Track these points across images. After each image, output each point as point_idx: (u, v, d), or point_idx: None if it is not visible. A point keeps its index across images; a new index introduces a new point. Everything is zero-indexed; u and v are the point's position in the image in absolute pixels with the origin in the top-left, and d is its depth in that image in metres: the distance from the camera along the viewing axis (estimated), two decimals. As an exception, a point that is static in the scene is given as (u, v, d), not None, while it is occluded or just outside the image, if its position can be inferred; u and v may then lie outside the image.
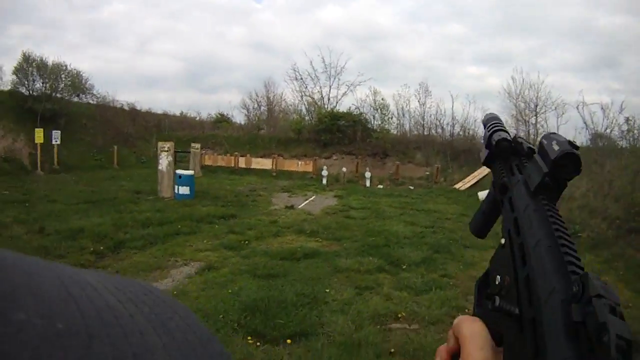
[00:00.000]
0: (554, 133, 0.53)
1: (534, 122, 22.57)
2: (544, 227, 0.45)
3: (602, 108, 18.17)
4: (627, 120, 16.38)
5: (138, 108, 32.22)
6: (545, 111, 22.76)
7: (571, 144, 0.49)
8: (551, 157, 0.49)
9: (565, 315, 0.35)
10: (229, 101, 71.30)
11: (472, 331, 0.46)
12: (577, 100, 18.67)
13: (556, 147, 0.49)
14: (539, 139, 0.55)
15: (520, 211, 0.50)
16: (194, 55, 56.48)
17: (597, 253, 9.84)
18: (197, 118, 36.55)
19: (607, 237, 10.63)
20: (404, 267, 7.59)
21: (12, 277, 0.24)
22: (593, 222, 11.75)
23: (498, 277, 0.48)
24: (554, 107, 22.57)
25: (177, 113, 35.84)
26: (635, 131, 16.03)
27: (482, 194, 17.71)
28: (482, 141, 0.66)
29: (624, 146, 15.85)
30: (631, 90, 42.12)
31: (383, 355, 4.53)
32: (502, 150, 0.60)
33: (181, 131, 30.62)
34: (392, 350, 4.61)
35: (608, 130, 17.70)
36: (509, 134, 0.62)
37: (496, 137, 0.61)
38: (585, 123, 18.86)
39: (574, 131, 19.88)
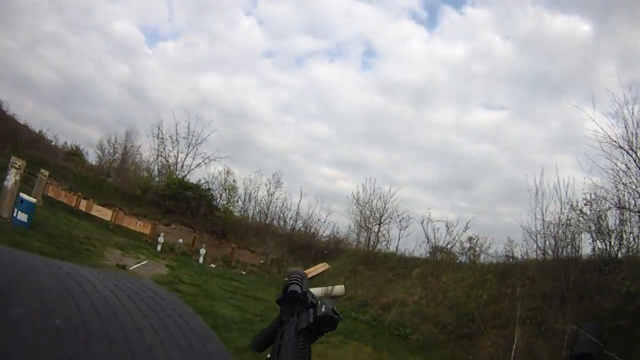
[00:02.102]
0: (323, 298, 0.82)
1: (376, 230, 23.91)
2: (293, 355, 0.69)
3: (447, 226, 19.82)
4: (470, 239, 18.24)
5: (4, 109, 29.59)
6: (389, 222, 24.16)
7: (334, 311, 0.75)
8: (317, 314, 0.74)
9: None
10: (89, 136, 65.49)
11: None
12: (424, 215, 20.29)
13: (324, 309, 0.74)
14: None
15: (284, 342, 0.73)
16: (72, 74, 51.55)
17: (427, 355, 10.59)
18: (54, 142, 33.92)
19: (437, 340, 11.56)
20: (231, 350, 7.25)
21: (10, 273, 0.24)
22: (424, 326, 12.72)
23: None
24: (399, 220, 23.86)
25: (37, 129, 33.03)
26: (477, 249, 17.88)
27: (314, 291, 18.22)
28: (284, 285, 0.89)
29: (462, 261, 17.47)
30: (479, 211, 47.57)
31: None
32: (290, 298, 0.84)
33: (35, 151, 27.54)
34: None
35: (449, 245, 19.16)
36: (302, 287, 0.86)
37: (291, 288, 0.86)
38: (427, 237, 20.42)
39: (414, 242, 21.05)
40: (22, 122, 31.49)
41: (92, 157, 34.93)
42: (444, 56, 49.98)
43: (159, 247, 19.86)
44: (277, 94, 57.89)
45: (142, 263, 14.62)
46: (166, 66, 57.02)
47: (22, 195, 12.70)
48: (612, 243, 10.85)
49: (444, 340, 11.45)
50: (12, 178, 12.71)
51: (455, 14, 53.36)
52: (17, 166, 12.90)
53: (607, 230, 10.92)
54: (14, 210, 12.40)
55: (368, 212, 24.72)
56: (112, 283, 0.33)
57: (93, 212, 22.29)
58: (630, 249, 10.62)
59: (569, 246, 11.60)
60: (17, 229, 11.75)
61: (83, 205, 22.40)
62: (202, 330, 0.37)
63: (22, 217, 12.35)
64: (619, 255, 10.60)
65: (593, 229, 11.22)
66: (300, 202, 29.94)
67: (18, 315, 0.22)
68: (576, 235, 11.60)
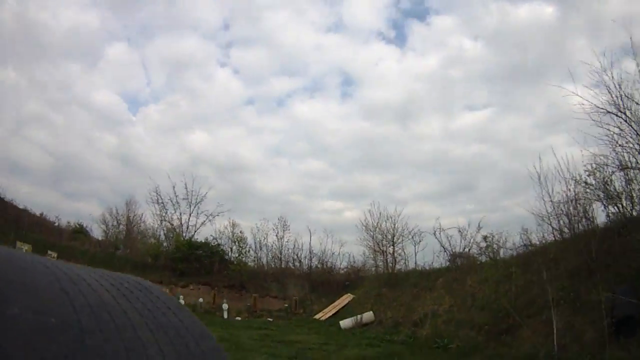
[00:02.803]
0: None
1: (391, 251, 23.76)
2: None
3: (459, 231, 19.72)
4: (485, 238, 18.05)
5: (2, 196, 28.75)
6: (402, 240, 24.17)
7: None
8: None
9: None
10: (89, 212, 65.38)
11: None
12: (434, 226, 20.14)
13: None
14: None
15: None
16: (63, 153, 51.46)
17: (470, 359, 10.39)
18: (56, 224, 33.12)
19: (477, 343, 11.33)
20: None
21: (6, 272, 0.25)
22: (461, 333, 12.49)
23: None
24: (411, 236, 23.92)
25: (37, 212, 32.20)
26: (495, 245, 17.65)
27: (344, 323, 18.00)
28: None
29: (483, 261, 17.24)
30: (487, 209, 46.96)
31: None
32: None
33: (39, 234, 27.30)
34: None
35: (467, 249, 18.98)
36: None
37: None
38: (443, 246, 20.22)
39: (431, 254, 20.88)
40: (21, 206, 30.80)
41: (97, 233, 34.49)
42: (419, 69, 50.10)
43: (180, 311, 19.61)
44: (265, 139, 58.17)
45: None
46: (152, 130, 57.15)
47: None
48: (624, 204, 10.85)
49: (483, 341, 11.23)
50: None
51: (421, 27, 53.71)
52: (23, 250, 12.90)
53: (615, 193, 10.92)
54: None
55: (379, 236, 24.70)
56: (108, 282, 0.33)
57: (108, 288, 22.23)
58: (643, 205, 10.65)
59: (583, 219, 11.55)
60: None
61: None
62: (196, 328, 0.37)
63: None
64: (634, 213, 10.58)
65: (602, 196, 11.21)
66: (310, 240, 29.81)
67: (14, 314, 0.22)
68: (587, 208, 11.58)
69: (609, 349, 7.85)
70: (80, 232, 32.75)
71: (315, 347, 12.97)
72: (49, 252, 20.17)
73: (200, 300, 21.80)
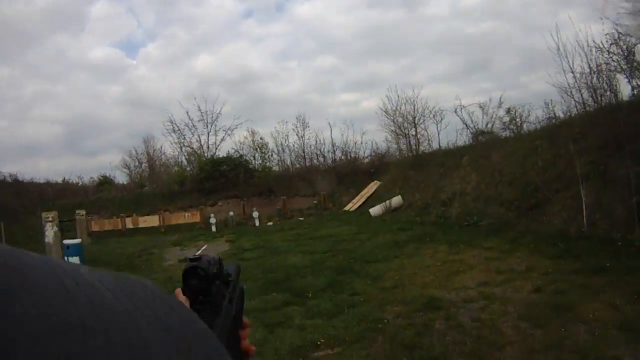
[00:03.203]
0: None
1: (414, 133, 23.32)
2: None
3: (480, 107, 19.10)
4: (508, 110, 17.41)
5: (20, 179, 29.83)
6: (423, 121, 23.67)
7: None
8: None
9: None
10: (109, 162, 67.57)
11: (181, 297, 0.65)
12: (455, 104, 19.54)
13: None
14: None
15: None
16: (72, 118, 53.00)
17: (502, 235, 10.31)
18: (80, 184, 34.52)
19: (507, 219, 11.22)
20: (310, 295, 7.21)
21: (9, 271, 0.25)
22: (490, 209, 12.38)
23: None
24: (432, 115, 23.45)
25: (59, 180, 33.55)
26: (517, 119, 17.04)
27: (374, 210, 18.20)
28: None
29: (507, 135, 16.65)
30: (505, 86, 45.96)
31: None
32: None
33: (64, 199, 28.40)
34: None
35: (489, 126, 18.44)
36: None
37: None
38: (465, 124, 19.78)
39: (454, 133, 20.58)
40: (42, 181, 32.00)
41: (121, 179, 35.52)
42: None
43: (213, 228, 20.29)
44: (270, 46, 56.99)
45: (203, 248, 14.90)
46: (155, 67, 56.97)
47: (66, 241, 12.93)
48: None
49: (513, 217, 11.09)
50: (50, 233, 12.98)
51: None
52: (50, 219, 13.09)
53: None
54: (65, 260, 12.55)
55: (400, 119, 24.19)
56: (110, 282, 0.32)
57: (141, 225, 22.99)
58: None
59: (608, 92, 10.64)
60: (74, 275, 11.82)
61: (129, 223, 23.12)
62: (200, 329, 0.36)
63: (74, 261, 12.30)
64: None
65: (626, 67, 10.16)
66: (331, 134, 29.70)
67: (16, 313, 0.22)
68: (611, 80, 10.59)
69: (639, 228, 7.54)
70: (104, 183, 33.61)
71: (348, 238, 13.26)
72: (77, 211, 20.61)
73: (231, 214, 22.31)
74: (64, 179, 34.28)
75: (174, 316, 0.34)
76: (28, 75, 53.20)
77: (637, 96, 9.80)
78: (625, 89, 10.83)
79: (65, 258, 12.36)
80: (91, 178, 35.60)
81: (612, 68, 10.43)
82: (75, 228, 19.90)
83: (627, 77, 10.25)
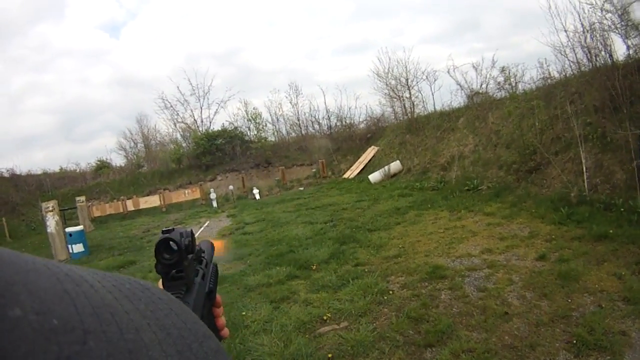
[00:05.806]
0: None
1: (408, 96, 22.95)
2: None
3: (473, 67, 18.59)
4: (502, 69, 17.04)
5: (18, 172, 29.72)
6: (417, 83, 23.17)
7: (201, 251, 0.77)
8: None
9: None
10: (105, 146, 67.15)
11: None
12: (447, 64, 19.20)
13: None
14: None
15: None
16: (64, 105, 52.75)
17: (502, 200, 10.36)
18: (78, 170, 34.35)
19: (507, 182, 11.25)
20: (314, 267, 7.27)
21: (9, 273, 0.25)
22: (490, 173, 12.39)
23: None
24: (425, 76, 22.95)
25: (57, 169, 33.49)
26: (512, 79, 16.69)
27: (374, 177, 18.20)
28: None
29: (502, 96, 16.33)
30: (496, 46, 45.09)
31: (322, 364, 4.17)
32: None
33: (64, 187, 28.60)
34: (330, 355, 4.25)
35: (484, 86, 18.11)
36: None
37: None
38: (459, 84, 19.35)
39: (449, 95, 20.37)
40: (39, 172, 31.85)
41: (118, 161, 35.43)
42: None
43: (214, 204, 20.28)
44: (255, 15, 55.53)
45: (205, 225, 14.93)
46: (140, 45, 55.93)
47: (68, 229, 12.90)
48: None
49: (513, 180, 11.11)
50: (51, 222, 12.88)
51: None
52: (50, 209, 13.02)
53: (636, 24, 9.57)
54: (68, 248, 12.65)
55: (393, 81, 23.80)
56: (110, 283, 0.32)
57: (142, 206, 23.01)
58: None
59: (602, 51, 10.36)
60: (79, 262, 11.73)
61: (130, 205, 23.10)
62: (199, 329, 0.37)
63: (78, 248, 12.55)
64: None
65: (620, 26, 9.88)
66: (325, 100, 29.46)
67: (16, 315, 0.22)
68: (606, 39, 10.28)
69: (640, 193, 7.54)
70: (101, 167, 33.54)
71: (349, 206, 13.31)
72: (77, 198, 20.46)
73: (231, 187, 22.28)
74: (61, 167, 34.27)
75: (173, 317, 0.34)
76: (13, 66, 52.63)
77: (633, 57, 9.58)
78: (620, 49, 10.59)
79: (69, 246, 12.43)
80: (88, 163, 35.51)
81: (606, 27, 10.16)
82: (77, 215, 19.93)
83: (622, 36, 10.00)
